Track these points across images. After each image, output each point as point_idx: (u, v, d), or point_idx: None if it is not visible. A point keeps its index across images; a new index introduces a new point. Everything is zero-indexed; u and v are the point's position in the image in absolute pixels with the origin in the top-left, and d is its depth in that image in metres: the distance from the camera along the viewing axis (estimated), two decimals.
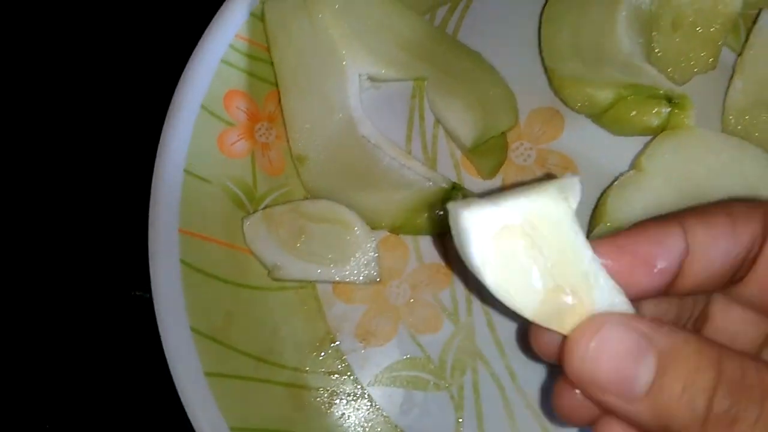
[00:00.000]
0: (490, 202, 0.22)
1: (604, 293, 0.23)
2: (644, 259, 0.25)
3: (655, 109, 0.41)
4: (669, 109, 0.40)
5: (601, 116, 0.42)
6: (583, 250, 0.23)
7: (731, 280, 0.26)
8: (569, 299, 0.23)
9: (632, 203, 0.39)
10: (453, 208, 0.23)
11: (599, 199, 0.41)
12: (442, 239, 0.43)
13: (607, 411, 0.24)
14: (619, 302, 0.24)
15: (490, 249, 0.22)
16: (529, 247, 0.22)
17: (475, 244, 0.22)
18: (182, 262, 0.40)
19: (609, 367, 0.22)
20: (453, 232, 0.23)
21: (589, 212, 0.42)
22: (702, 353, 0.22)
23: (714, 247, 0.25)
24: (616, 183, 0.40)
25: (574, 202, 0.23)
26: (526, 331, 0.28)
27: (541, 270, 0.23)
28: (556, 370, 0.39)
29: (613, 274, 0.24)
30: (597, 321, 0.23)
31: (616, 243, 0.25)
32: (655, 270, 0.25)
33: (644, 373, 0.22)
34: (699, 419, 0.22)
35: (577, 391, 0.24)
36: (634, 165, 0.40)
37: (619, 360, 0.22)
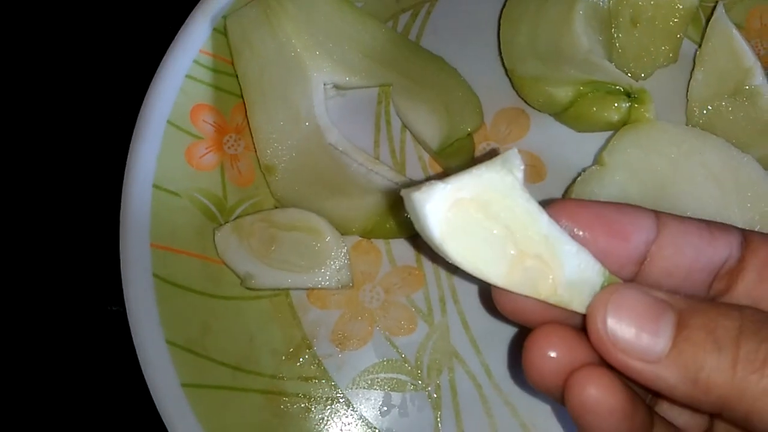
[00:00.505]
0: (439, 182, 0.23)
1: (569, 255, 0.24)
2: (618, 230, 0.25)
3: (615, 105, 0.41)
4: (628, 103, 0.41)
5: (562, 114, 0.43)
6: (539, 216, 0.24)
7: (708, 292, 0.26)
8: (534, 264, 0.24)
9: (595, 198, 0.39)
10: (406, 194, 0.24)
11: (563, 196, 0.42)
12: (414, 241, 0.43)
13: (635, 380, 0.23)
14: (587, 262, 0.24)
15: (446, 224, 0.23)
16: (486, 219, 0.24)
17: (431, 222, 0.23)
18: (155, 275, 0.40)
19: (629, 330, 0.22)
20: (412, 218, 0.25)
21: None
22: (720, 305, 0.22)
23: (685, 240, 0.25)
24: (579, 179, 0.40)
25: (519, 172, 0.24)
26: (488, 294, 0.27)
27: (501, 239, 0.24)
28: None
29: (587, 243, 0.24)
30: (611, 289, 0.23)
31: (591, 209, 0.25)
32: (630, 244, 0.25)
33: (665, 329, 0.22)
34: (728, 361, 0.21)
35: (552, 353, 0.24)
36: (597, 160, 0.41)
37: (639, 320, 0.22)
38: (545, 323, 0.25)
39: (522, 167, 0.24)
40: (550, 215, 0.24)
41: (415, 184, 0.41)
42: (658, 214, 0.25)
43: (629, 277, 0.26)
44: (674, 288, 0.25)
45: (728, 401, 0.21)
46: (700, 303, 0.23)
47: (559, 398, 0.25)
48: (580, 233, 0.25)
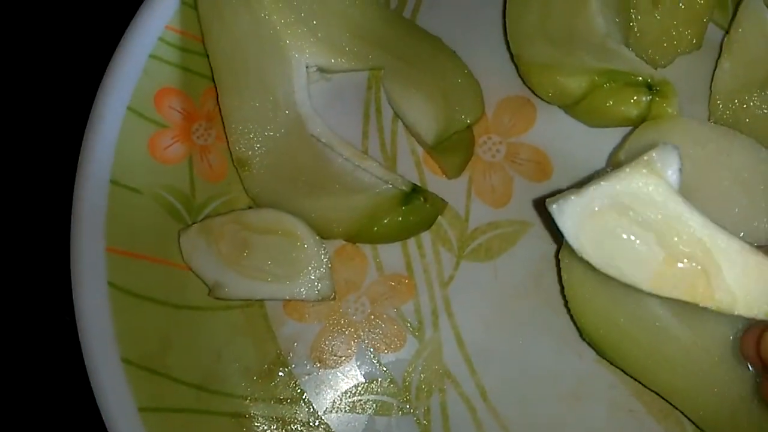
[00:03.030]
0: (577, 191, 0.26)
1: (730, 256, 0.25)
2: None
3: (634, 98, 0.38)
4: (649, 97, 0.37)
5: (574, 107, 0.39)
6: (692, 217, 0.25)
7: None
8: (687, 267, 0.25)
9: None
10: (549, 205, 0.27)
11: None
12: (404, 246, 0.40)
13: None
14: (756, 262, 0.25)
15: (587, 233, 0.26)
16: (631, 223, 0.25)
17: (571, 232, 0.26)
18: (110, 284, 0.36)
19: None
20: (558, 229, 0.28)
21: None
22: None
23: None
24: None
25: (674, 174, 0.25)
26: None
27: (648, 243, 0.25)
28: (531, 389, 0.36)
29: None
30: None
31: None
32: None
33: None
34: None
35: None
36: (612, 161, 0.37)
37: None
38: None
39: (678, 167, 0.25)
40: None
41: (406, 182, 0.38)
42: None
43: None
44: None
45: None
46: None
47: None
48: None
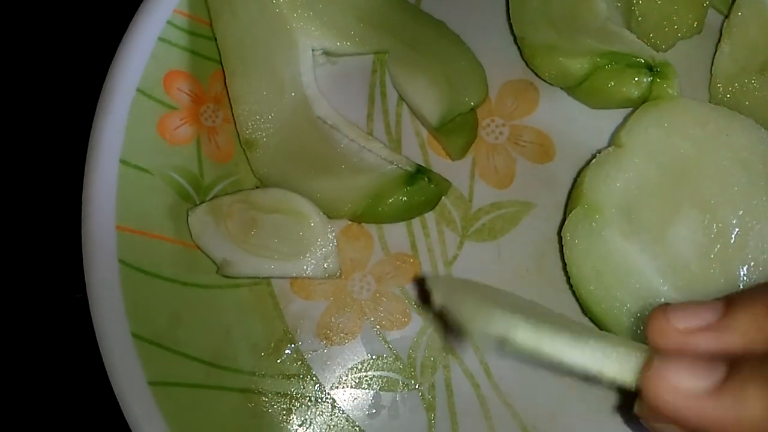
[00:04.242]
0: None
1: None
2: None
3: (635, 79, 0.38)
4: (650, 78, 0.38)
5: (576, 88, 0.39)
6: None
7: None
8: None
9: (611, 183, 0.36)
10: None
11: (576, 179, 0.38)
12: (408, 226, 0.40)
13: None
14: None
15: None
16: None
17: None
18: (120, 261, 0.37)
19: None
20: None
21: (566, 193, 0.40)
22: None
23: None
24: (594, 161, 0.37)
25: None
26: None
27: None
28: (535, 364, 0.36)
29: None
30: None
31: None
32: None
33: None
34: None
35: None
36: (613, 141, 0.37)
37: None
38: None
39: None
40: None
41: (411, 162, 0.38)
42: None
43: None
44: None
45: None
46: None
47: None
48: None
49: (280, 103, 0.39)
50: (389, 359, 0.38)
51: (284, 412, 0.37)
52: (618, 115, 0.40)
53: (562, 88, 0.41)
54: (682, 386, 0.23)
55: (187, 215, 0.38)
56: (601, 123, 0.41)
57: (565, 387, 0.37)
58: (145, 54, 0.39)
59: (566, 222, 0.36)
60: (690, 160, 0.37)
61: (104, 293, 0.36)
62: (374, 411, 0.38)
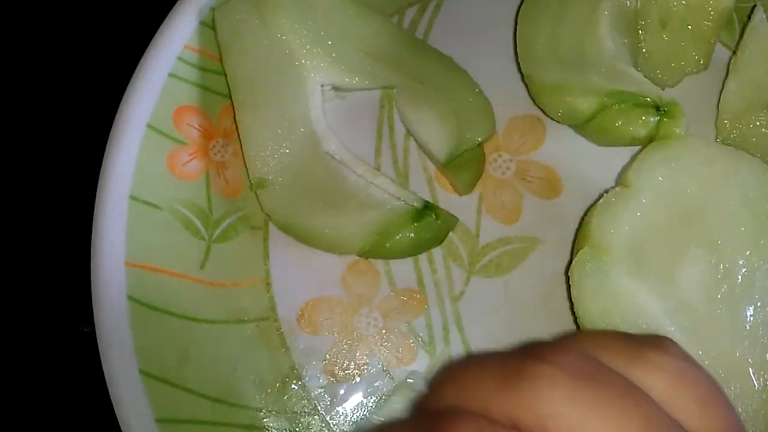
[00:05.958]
0: None
1: None
2: None
3: (642, 118, 0.38)
4: (657, 117, 0.37)
5: (583, 126, 0.39)
6: None
7: None
8: None
9: (619, 223, 0.36)
10: None
11: (583, 216, 0.38)
12: (416, 262, 0.40)
13: None
14: None
15: None
16: None
17: None
18: (130, 298, 0.36)
19: None
20: None
21: (573, 229, 0.40)
22: None
23: None
24: (601, 201, 0.37)
25: None
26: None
27: None
28: None
29: None
30: None
31: None
32: None
33: None
34: None
35: None
36: (621, 181, 0.37)
37: None
38: None
39: None
40: None
41: (418, 198, 0.38)
42: None
43: None
44: None
45: None
46: None
47: None
48: None
49: (289, 138, 0.39)
50: (395, 397, 0.38)
51: None
52: (625, 150, 0.40)
53: (569, 126, 0.41)
54: None
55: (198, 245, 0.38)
56: (608, 159, 0.40)
57: None
58: (155, 90, 0.39)
59: (573, 262, 0.36)
60: (697, 199, 0.37)
61: (113, 331, 0.36)
62: None
